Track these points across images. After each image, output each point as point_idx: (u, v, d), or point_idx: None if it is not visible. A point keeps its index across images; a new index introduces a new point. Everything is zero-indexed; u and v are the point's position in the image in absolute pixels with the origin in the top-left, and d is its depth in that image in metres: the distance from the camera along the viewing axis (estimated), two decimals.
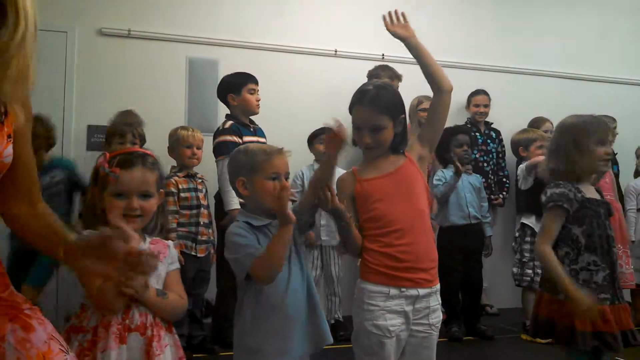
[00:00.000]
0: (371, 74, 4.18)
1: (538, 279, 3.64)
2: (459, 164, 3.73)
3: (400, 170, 1.91)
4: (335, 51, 4.64)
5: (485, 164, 4.67)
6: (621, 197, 4.55)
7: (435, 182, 3.85)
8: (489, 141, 4.77)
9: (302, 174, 3.90)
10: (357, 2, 4.71)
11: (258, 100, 3.64)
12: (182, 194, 3.43)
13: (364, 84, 2.03)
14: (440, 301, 1.92)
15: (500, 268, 4.58)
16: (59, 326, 1.43)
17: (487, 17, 5.14)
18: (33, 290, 2.88)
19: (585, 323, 2.03)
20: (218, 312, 3.59)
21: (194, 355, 3.35)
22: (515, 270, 3.96)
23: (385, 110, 1.87)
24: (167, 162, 3.57)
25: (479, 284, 4.04)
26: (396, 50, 4.54)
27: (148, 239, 1.68)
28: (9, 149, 1.10)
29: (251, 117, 3.68)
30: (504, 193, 4.72)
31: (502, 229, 4.78)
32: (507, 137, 4.61)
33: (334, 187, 1.82)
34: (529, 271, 3.86)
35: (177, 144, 3.51)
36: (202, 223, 3.46)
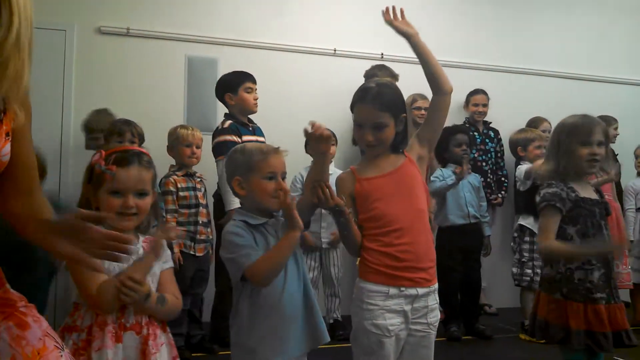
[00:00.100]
0: (368, 74, 4.18)
1: (538, 278, 3.65)
2: (464, 168, 3.73)
3: (400, 169, 1.90)
4: (335, 50, 4.64)
5: (484, 164, 4.66)
6: (621, 197, 4.55)
7: (432, 179, 3.85)
8: (487, 141, 4.77)
9: (302, 176, 3.89)
10: (357, 1, 4.71)
11: (256, 99, 3.63)
12: (181, 193, 3.42)
13: (365, 82, 2.03)
14: (438, 300, 1.92)
15: (499, 268, 4.58)
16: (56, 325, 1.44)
17: (487, 17, 5.13)
18: None
19: (580, 322, 2.04)
20: (217, 311, 3.58)
21: (192, 355, 3.35)
22: (514, 270, 3.96)
23: (388, 108, 1.87)
24: (166, 161, 3.57)
25: (478, 284, 4.05)
26: (395, 50, 4.62)
27: (141, 238, 1.67)
28: (7, 148, 1.10)
29: (250, 116, 3.68)
30: (503, 193, 4.71)
31: (501, 228, 4.78)
32: (506, 137, 4.61)
33: (332, 185, 1.82)
34: (529, 271, 3.86)
35: (177, 142, 3.51)
36: (200, 222, 3.46)
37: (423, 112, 4.31)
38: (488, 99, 4.79)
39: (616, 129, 4.78)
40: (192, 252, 3.41)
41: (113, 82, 4.09)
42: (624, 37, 5.56)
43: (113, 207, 1.58)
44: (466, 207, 3.93)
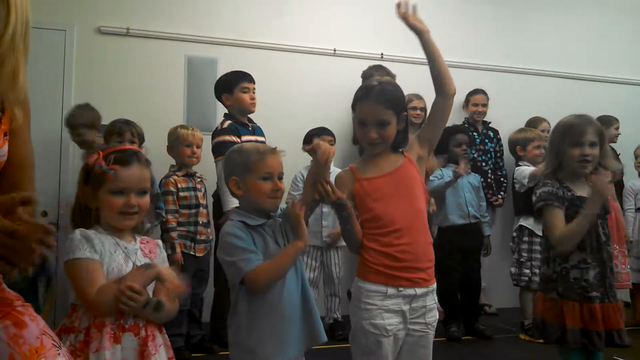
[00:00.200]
0: (365, 75, 4.17)
1: (536, 278, 3.65)
2: (463, 167, 3.74)
3: (399, 170, 1.90)
4: (335, 50, 4.64)
5: (483, 164, 4.66)
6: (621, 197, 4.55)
7: (431, 178, 3.85)
8: (487, 141, 4.77)
9: (302, 175, 3.89)
10: (357, 1, 4.71)
11: (253, 99, 3.60)
12: (181, 193, 3.43)
13: (367, 81, 2.03)
14: (436, 300, 1.92)
15: (499, 268, 4.58)
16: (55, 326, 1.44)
17: (487, 17, 5.13)
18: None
19: (576, 320, 2.04)
20: (216, 311, 3.58)
21: (192, 355, 3.35)
22: (513, 270, 3.96)
23: (391, 105, 1.87)
24: (166, 161, 3.58)
25: (478, 284, 4.05)
26: (395, 50, 4.62)
27: (138, 238, 1.67)
28: (5, 148, 1.10)
29: (250, 116, 3.68)
30: (502, 193, 4.71)
31: (500, 228, 4.78)
32: (505, 137, 4.61)
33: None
34: (527, 271, 3.86)
35: (177, 142, 3.51)
36: (201, 222, 3.46)
37: (419, 112, 4.30)
38: (488, 98, 4.79)
39: (617, 128, 4.78)
40: (192, 253, 3.41)
41: (113, 82, 4.09)
42: (624, 37, 5.55)
43: (116, 206, 1.58)
44: (466, 207, 3.94)
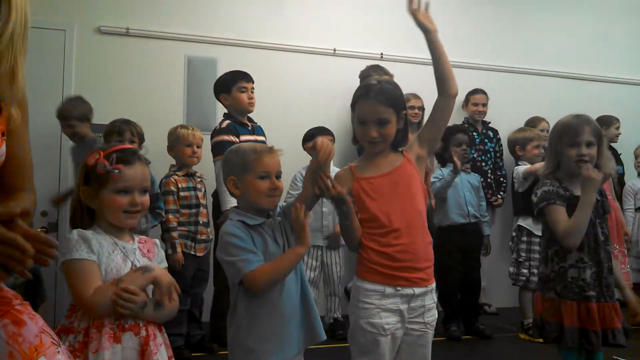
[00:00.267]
0: (363, 75, 4.17)
1: (534, 278, 3.65)
2: (457, 161, 3.74)
3: (398, 169, 1.90)
4: (334, 50, 4.64)
5: (483, 164, 4.66)
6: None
7: (432, 179, 3.85)
8: (486, 140, 4.77)
9: (302, 175, 3.89)
10: (357, 1, 4.72)
11: (251, 99, 3.60)
12: (182, 193, 3.43)
13: (366, 80, 2.02)
14: (435, 300, 1.92)
15: (498, 267, 4.58)
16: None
17: (487, 17, 5.13)
18: None
19: (573, 319, 2.04)
20: (215, 311, 3.58)
21: (192, 354, 3.35)
22: (511, 269, 3.96)
23: (391, 104, 1.87)
24: (166, 161, 3.58)
25: (478, 283, 4.05)
26: (395, 50, 4.62)
27: (136, 238, 1.68)
28: (3, 148, 1.11)
29: (249, 116, 3.68)
30: (502, 193, 4.71)
31: (500, 228, 4.78)
32: (505, 137, 4.61)
33: None
34: (525, 271, 3.86)
35: (177, 142, 3.51)
36: (201, 222, 3.46)
37: (416, 111, 4.30)
38: (487, 98, 4.79)
39: (618, 128, 4.79)
40: (192, 252, 3.42)
41: (113, 82, 4.10)
42: (624, 37, 5.55)
43: (121, 205, 1.58)
44: (466, 207, 3.94)
